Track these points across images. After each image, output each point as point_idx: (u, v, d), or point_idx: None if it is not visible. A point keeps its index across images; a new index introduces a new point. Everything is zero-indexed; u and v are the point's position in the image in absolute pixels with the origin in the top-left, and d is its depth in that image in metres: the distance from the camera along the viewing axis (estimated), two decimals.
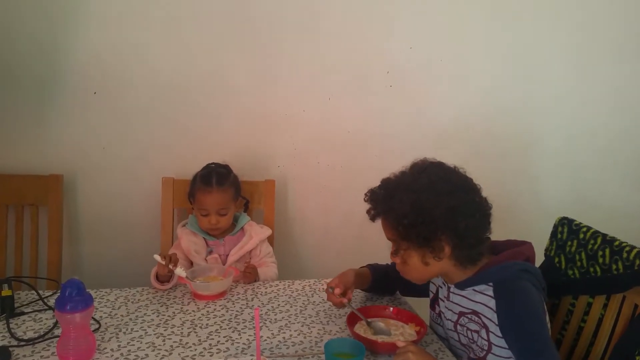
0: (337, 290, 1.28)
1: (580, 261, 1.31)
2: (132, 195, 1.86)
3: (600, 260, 1.25)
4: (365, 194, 1.21)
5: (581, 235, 1.33)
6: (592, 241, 1.29)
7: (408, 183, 1.14)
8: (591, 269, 1.28)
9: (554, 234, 1.42)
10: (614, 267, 1.21)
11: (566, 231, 1.38)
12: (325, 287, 1.51)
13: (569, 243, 1.36)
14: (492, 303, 1.11)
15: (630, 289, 1.15)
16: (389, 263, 1.46)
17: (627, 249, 1.18)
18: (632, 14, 2.05)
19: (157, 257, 1.42)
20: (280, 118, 1.91)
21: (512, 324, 1.08)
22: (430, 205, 1.09)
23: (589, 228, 1.33)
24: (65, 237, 1.81)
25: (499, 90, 2.03)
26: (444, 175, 1.15)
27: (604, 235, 1.27)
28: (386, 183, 1.19)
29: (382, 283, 1.43)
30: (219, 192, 1.61)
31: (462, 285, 1.18)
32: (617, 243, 1.22)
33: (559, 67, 2.05)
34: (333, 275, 1.60)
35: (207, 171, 1.68)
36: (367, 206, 1.97)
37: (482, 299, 1.13)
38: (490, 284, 1.13)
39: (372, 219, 1.19)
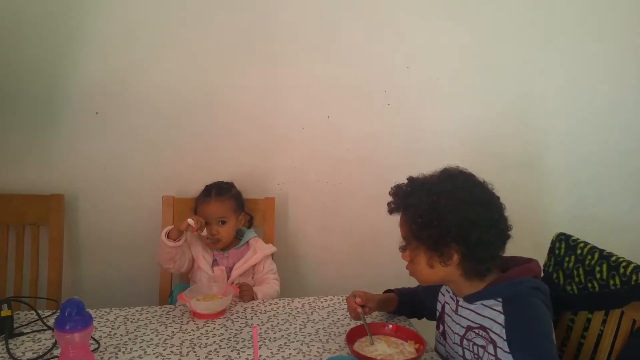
0: (359, 300, 1.31)
1: (578, 277, 1.31)
2: (133, 215, 1.87)
3: (598, 275, 1.25)
4: (391, 188, 1.21)
5: (578, 251, 1.33)
6: (589, 257, 1.29)
7: (431, 185, 1.16)
8: (589, 285, 1.28)
9: (551, 250, 1.42)
10: (612, 282, 1.21)
11: (564, 247, 1.39)
12: (324, 302, 1.53)
13: (567, 259, 1.36)
14: (501, 318, 1.11)
15: (628, 304, 1.15)
16: (416, 287, 1.45)
17: (624, 264, 1.19)
18: (629, 31, 2.08)
19: (191, 221, 1.52)
20: (279, 136, 1.93)
21: (521, 340, 1.07)
22: (446, 210, 1.10)
23: (586, 244, 1.33)
24: (65, 256, 1.82)
25: (496, 107, 2.05)
26: (469, 186, 1.16)
27: (601, 251, 1.28)
28: (412, 180, 1.20)
29: (408, 307, 1.44)
30: (217, 201, 1.68)
31: (471, 299, 1.18)
32: (614, 258, 1.22)
33: (557, 85, 2.07)
34: (333, 292, 1.61)
35: (209, 185, 1.74)
36: (366, 223, 2.03)
37: (491, 314, 1.13)
38: (500, 299, 1.13)
39: (390, 212, 1.20)
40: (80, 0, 1.71)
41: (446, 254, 1.12)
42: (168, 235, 1.55)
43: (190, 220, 1.53)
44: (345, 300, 1.42)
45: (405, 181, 1.21)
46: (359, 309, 1.31)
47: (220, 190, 1.72)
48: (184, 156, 1.87)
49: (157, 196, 1.83)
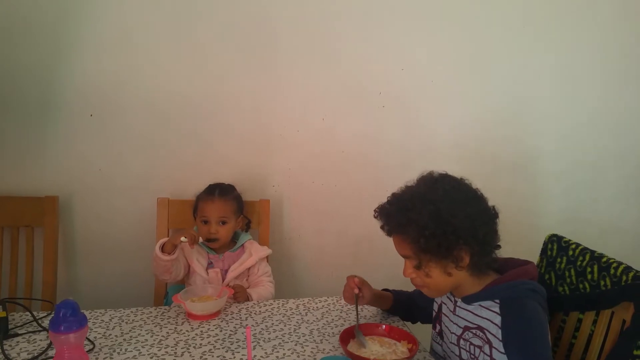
0: (357, 280, 1.33)
1: (570, 278, 1.33)
2: (128, 217, 1.87)
3: (589, 276, 1.27)
4: (375, 211, 1.18)
5: (570, 252, 1.35)
6: (580, 258, 1.31)
7: (423, 194, 1.12)
8: (580, 286, 1.29)
9: (543, 251, 1.44)
10: (602, 283, 1.22)
11: (556, 248, 1.40)
12: (318, 303, 1.53)
13: (559, 260, 1.38)
14: (497, 319, 1.12)
15: (618, 305, 1.16)
16: (412, 290, 1.45)
17: (615, 265, 1.20)
18: (622, 34, 2.10)
19: (184, 238, 1.52)
20: (275, 138, 1.94)
21: (516, 341, 1.08)
22: (449, 214, 1.08)
23: (577, 245, 1.35)
24: (60, 258, 1.82)
25: (490, 110, 2.07)
26: (457, 184, 1.15)
27: (592, 252, 1.29)
28: (397, 197, 1.16)
29: (402, 308, 1.45)
30: (220, 201, 1.69)
31: (469, 300, 1.18)
32: (604, 259, 1.24)
33: (550, 88, 2.09)
34: (327, 294, 1.62)
35: (212, 185, 1.76)
36: (361, 225, 2.04)
37: (488, 315, 1.14)
38: (497, 300, 1.14)
39: (388, 234, 1.17)
40: (75, 3, 1.72)
41: (457, 257, 1.11)
42: (162, 249, 1.54)
43: (183, 238, 1.52)
44: (339, 300, 1.42)
45: (388, 199, 1.17)
46: (356, 290, 1.31)
47: (224, 191, 1.73)
48: (179, 158, 1.88)
49: (152, 198, 1.84)
